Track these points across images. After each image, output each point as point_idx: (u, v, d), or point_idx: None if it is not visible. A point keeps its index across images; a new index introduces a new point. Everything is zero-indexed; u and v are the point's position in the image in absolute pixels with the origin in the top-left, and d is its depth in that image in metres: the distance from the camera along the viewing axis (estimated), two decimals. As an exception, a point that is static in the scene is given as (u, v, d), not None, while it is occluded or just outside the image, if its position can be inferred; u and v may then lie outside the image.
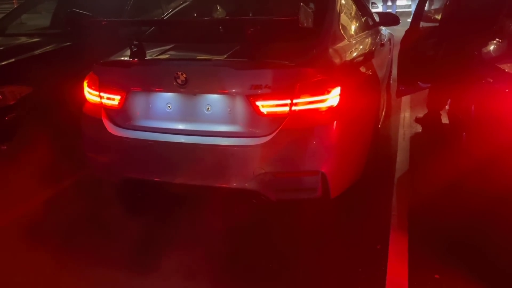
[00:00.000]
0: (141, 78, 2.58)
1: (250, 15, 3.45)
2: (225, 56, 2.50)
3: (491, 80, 2.70)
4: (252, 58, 2.40)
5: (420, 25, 4.20)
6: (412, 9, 11.45)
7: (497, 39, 3.04)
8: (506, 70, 2.52)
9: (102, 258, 2.50)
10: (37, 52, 3.68)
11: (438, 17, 4.42)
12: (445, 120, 4.42)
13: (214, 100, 2.43)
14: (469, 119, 3.06)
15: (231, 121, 2.42)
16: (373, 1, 12.29)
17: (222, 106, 2.42)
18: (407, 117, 4.70)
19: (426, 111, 4.53)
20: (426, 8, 4.28)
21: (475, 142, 2.94)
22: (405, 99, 5.22)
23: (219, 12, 3.69)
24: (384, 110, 4.09)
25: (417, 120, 4.48)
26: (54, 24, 4.79)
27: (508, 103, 2.37)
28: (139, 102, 2.58)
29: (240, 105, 2.37)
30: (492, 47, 3.02)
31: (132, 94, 2.58)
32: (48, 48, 3.78)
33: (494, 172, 2.45)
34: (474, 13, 3.71)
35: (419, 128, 4.36)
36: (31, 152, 3.27)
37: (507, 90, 2.43)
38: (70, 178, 3.49)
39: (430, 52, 4.14)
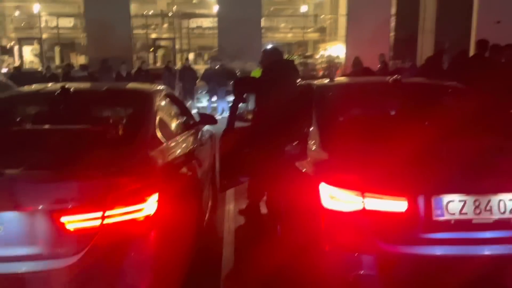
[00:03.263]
0: None
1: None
2: (22, 168, 2.23)
3: (293, 178, 3.03)
4: (56, 169, 2.21)
5: (236, 125, 4.60)
6: (208, 106, 12.51)
7: (296, 141, 3.49)
8: (303, 170, 2.87)
9: None
10: None
11: (251, 117, 4.92)
12: (264, 210, 4.75)
13: (7, 219, 2.10)
14: (281, 213, 3.34)
15: (30, 242, 2.12)
16: (198, 96, 13.15)
17: (18, 225, 2.11)
18: (231, 209, 4.90)
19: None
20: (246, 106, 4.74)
21: (287, 235, 3.19)
22: (230, 191, 5.48)
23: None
24: (209, 206, 4.19)
25: (241, 212, 4.71)
26: None
27: (305, 199, 2.67)
28: None
29: (41, 223, 2.11)
30: (292, 147, 3.44)
31: None
32: None
33: (302, 263, 2.66)
34: (279, 116, 4.24)
35: (242, 221, 4.56)
36: None
37: (306, 186, 2.74)
38: None
39: (246, 149, 4.51)
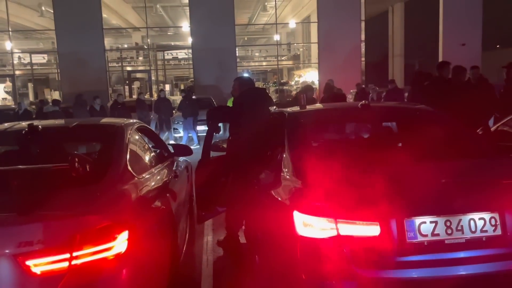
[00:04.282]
0: None
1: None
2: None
3: (268, 206, 3.01)
4: (19, 211, 2.13)
5: (211, 155, 4.58)
6: (185, 137, 12.39)
7: (270, 169, 3.49)
8: (278, 198, 2.86)
9: None
10: None
11: (225, 146, 4.92)
12: (243, 239, 4.68)
13: (-31, 266, 2.01)
14: (258, 242, 3.30)
15: (-6, 288, 2.02)
16: (175, 127, 13.10)
17: (-19, 272, 2.01)
18: (209, 241, 4.81)
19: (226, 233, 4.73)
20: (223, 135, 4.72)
21: (265, 264, 3.14)
22: (208, 222, 5.39)
23: None
24: (187, 238, 4.10)
25: (219, 243, 4.62)
26: None
27: (281, 227, 2.65)
28: None
29: (5, 268, 2.02)
30: (266, 175, 3.44)
31: None
32: None
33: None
34: (254, 144, 4.25)
35: (221, 252, 4.48)
36: None
37: (280, 214, 2.73)
38: None
39: (222, 179, 4.48)
